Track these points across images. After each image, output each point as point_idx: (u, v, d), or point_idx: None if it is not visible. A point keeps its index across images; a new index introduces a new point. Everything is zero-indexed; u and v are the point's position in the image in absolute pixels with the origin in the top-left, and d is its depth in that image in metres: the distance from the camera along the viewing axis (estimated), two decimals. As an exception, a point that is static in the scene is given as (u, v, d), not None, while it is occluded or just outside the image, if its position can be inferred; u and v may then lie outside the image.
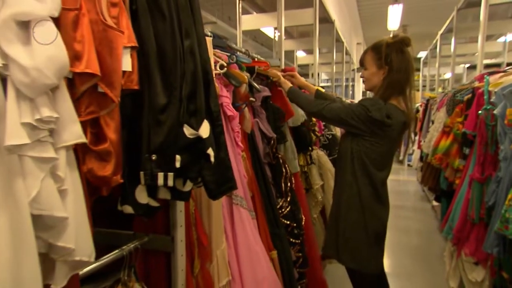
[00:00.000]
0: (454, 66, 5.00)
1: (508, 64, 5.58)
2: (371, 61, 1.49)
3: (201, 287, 1.11)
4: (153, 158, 0.75)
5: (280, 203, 1.55)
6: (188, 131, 0.78)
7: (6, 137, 0.51)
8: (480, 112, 2.05)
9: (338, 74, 5.59)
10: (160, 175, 0.76)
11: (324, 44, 4.85)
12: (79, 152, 0.70)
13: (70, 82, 0.65)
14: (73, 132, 0.62)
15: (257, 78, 1.61)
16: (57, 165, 0.60)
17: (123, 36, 0.66)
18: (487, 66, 6.13)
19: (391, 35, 1.54)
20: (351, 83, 7.08)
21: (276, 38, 4.42)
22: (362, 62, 1.54)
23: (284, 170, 1.58)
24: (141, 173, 0.76)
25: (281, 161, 1.59)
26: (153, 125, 0.75)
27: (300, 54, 6.65)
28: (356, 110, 1.42)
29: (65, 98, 0.61)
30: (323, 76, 9.48)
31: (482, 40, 3.13)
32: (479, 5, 3.18)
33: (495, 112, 1.85)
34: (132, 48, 0.71)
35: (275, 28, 4.25)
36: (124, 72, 0.70)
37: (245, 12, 3.38)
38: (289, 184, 1.58)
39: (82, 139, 0.64)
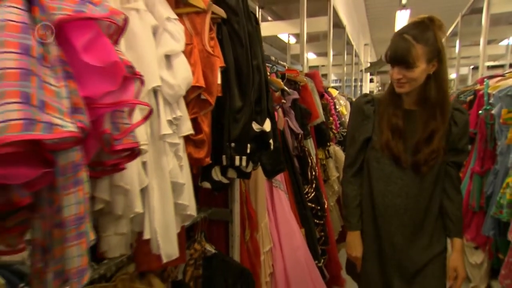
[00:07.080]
0: (459, 68, 5.23)
1: (511, 66, 5.79)
2: (423, 55, 1.13)
3: (251, 251, 1.40)
4: (232, 145, 1.04)
5: (306, 189, 1.83)
6: (255, 126, 1.07)
7: (161, 129, 0.80)
8: (480, 112, 2.30)
9: (347, 75, 5.85)
10: (237, 158, 1.04)
11: (335, 48, 5.10)
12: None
13: (182, 91, 0.94)
14: (187, 126, 0.91)
15: (287, 83, 1.89)
16: (179, 149, 0.89)
17: (219, 60, 0.95)
18: (492, 67, 6.33)
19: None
20: (359, 83, 7.37)
21: (290, 43, 4.70)
22: (406, 60, 1.12)
23: (309, 161, 1.85)
24: (223, 156, 1.05)
25: (307, 153, 1.87)
26: (232, 122, 1.04)
27: (310, 56, 6.93)
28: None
29: (183, 103, 0.90)
30: (332, 77, 9.74)
31: (483, 45, 3.38)
32: (482, 11, 3.41)
33: (493, 112, 2.10)
34: (221, 67, 0.99)
35: (289, 34, 4.52)
36: (215, 84, 0.99)
37: (262, 19, 3.65)
38: (313, 173, 1.86)
39: (192, 131, 0.93)
